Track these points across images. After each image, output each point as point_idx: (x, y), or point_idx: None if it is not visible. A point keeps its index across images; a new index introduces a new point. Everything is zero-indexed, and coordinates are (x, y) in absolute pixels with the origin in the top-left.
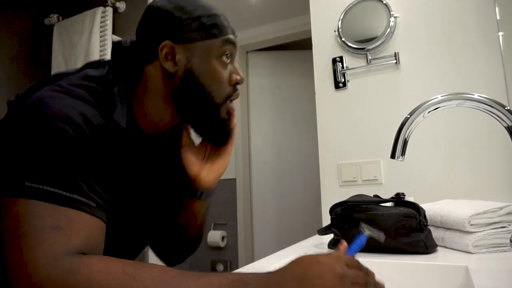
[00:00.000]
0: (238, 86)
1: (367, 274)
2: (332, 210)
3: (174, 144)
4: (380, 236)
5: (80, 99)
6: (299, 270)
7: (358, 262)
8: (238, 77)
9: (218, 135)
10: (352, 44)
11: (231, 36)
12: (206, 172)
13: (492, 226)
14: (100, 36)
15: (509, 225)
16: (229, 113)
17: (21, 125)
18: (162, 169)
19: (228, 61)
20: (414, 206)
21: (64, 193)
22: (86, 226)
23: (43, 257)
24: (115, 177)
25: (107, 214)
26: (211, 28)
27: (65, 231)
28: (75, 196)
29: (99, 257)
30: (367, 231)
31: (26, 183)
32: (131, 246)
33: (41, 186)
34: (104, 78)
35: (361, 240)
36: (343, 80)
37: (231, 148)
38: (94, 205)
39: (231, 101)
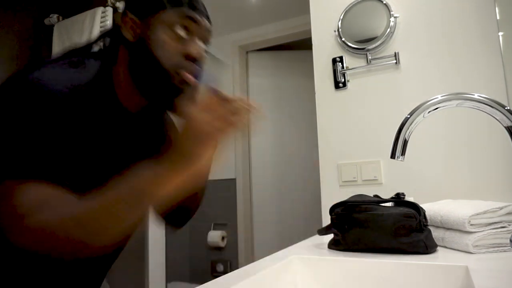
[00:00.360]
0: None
1: (229, 102)
2: (332, 210)
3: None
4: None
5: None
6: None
7: (217, 99)
8: (194, 52)
9: (166, 98)
10: (352, 44)
11: (186, 11)
12: None
13: (492, 226)
14: None
15: (509, 225)
16: (183, 82)
17: None
18: (150, 145)
19: (185, 35)
20: (414, 206)
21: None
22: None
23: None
24: (97, 152)
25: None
26: (166, 1)
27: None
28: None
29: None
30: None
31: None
32: None
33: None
34: (85, 61)
35: (207, 77)
36: (343, 80)
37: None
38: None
39: (185, 72)
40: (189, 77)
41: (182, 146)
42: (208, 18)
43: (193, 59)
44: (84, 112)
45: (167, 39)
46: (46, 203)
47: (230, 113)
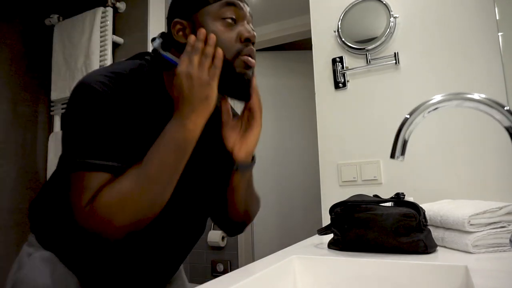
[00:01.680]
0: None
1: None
2: (332, 210)
3: (216, 122)
4: None
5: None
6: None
7: (185, 55)
8: (246, 34)
9: (238, 89)
10: (352, 44)
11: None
12: (238, 146)
13: (492, 226)
14: (101, 37)
15: (508, 225)
16: (246, 65)
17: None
18: (207, 145)
19: (233, 22)
20: (414, 206)
21: (97, 162)
22: (96, 181)
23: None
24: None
25: None
26: None
27: (86, 188)
28: (105, 162)
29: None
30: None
31: (77, 159)
32: (182, 214)
33: (83, 159)
34: (138, 68)
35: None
36: (343, 80)
37: (258, 113)
38: (120, 165)
39: (244, 55)
40: (250, 59)
41: (192, 95)
42: (245, 1)
43: (247, 40)
44: (134, 107)
45: (220, 29)
46: (112, 183)
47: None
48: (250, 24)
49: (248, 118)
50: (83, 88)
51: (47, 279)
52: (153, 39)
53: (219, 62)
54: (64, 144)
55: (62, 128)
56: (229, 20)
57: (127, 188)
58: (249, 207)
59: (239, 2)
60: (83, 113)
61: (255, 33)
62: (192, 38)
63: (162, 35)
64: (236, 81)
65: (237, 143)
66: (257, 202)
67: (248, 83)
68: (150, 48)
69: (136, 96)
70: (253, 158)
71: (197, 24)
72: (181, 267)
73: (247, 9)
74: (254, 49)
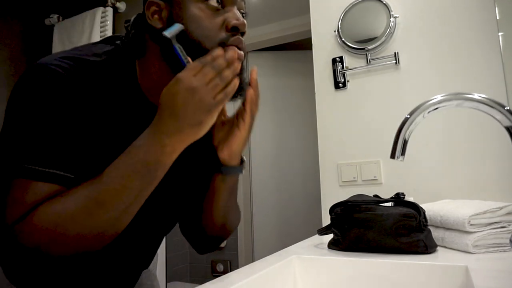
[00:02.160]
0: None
1: (216, 61)
2: (332, 210)
3: None
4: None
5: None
6: (171, 101)
7: (199, 63)
8: (234, 21)
9: None
10: (352, 44)
11: None
12: (222, 145)
13: (492, 226)
14: (100, 37)
15: (509, 225)
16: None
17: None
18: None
19: (219, 6)
20: (414, 206)
21: (40, 169)
22: (37, 193)
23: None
24: (112, 144)
25: None
26: None
27: (18, 201)
28: (50, 170)
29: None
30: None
31: (21, 164)
32: (150, 223)
33: (26, 165)
34: (111, 51)
35: (173, 29)
36: (343, 80)
37: (248, 114)
38: (70, 176)
39: (229, 46)
40: (236, 51)
41: (186, 113)
42: None
43: (235, 29)
44: (96, 103)
45: (202, 13)
46: (55, 199)
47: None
48: (242, 11)
49: (238, 117)
50: (38, 70)
51: None
52: (127, 21)
53: (231, 91)
54: (3, 138)
55: (5, 118)
56: (214, 3)
57: (69, 211)
58: (228, 220)
59: None
60: (35, 101)
61: (244, 21)
62: (218, 51)
63: (136, 17)
64: None
65: (221, 141)
66: (237, 216)
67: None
68: None
69: (101, 89)
70: (241, 163)
71: (175, 6)
72: (155, 274)
73: None
74: (243, 40)
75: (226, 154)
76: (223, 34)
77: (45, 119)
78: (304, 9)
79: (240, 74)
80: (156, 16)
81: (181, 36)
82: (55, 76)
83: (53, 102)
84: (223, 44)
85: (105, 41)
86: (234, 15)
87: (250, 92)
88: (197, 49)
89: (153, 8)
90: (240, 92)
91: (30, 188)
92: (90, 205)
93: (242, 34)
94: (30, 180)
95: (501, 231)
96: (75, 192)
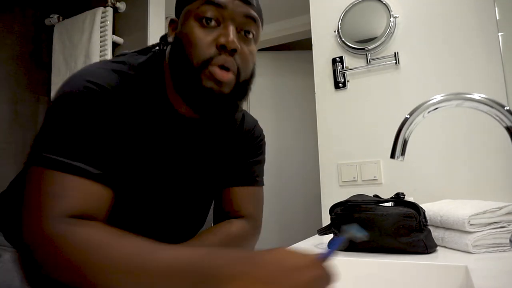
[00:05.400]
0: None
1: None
2: (332, 210)
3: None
4: (363, 237)
5: (108, 70)
6: (276, 256)
7: (325, 269)
8: (222, 39)
9: (206, 108)
10: (352, 44)
11: None
12: None
13: (492, 226)
14: (101, 37)
15: (508, 225)
16: (213, 78)
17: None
18: (209, 154)
19: (213, 24)
20: (414, 206)
21: (66, 160)
22: (85, 193)
23: (40, 220)
24: (143, 151)
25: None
26: None
27: (66, 198)
28: (75, 163)
29: (94, 222)
30: (346, 234)
31: (42, 153)
32: (171, 229)
33: (49, 155)
34: (144, 63)
35: (337, 242)
36: (343, 80)
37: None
38: (96, 172)
39: (213, 65)
40: (218, 71)
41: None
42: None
43: (223, 47)
44: (129, 113)
45: (195, 30)
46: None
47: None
48: (247, 29)
49: None
50: (82, 80)
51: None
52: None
53: None
54: (41, 134)
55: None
56: (209, 21)
57: (100, 248)
58: None
59: (227, 2)
60: (74, 109)
61: (233, 39)
62: None
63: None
64: (201, 97)
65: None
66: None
67: (220, 102)
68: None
69: (133, 100)
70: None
71: (179, 24)
72: None
73: (240, 8)
74: (234, 60)
75: None
76: (211, 51)
77: (81, 124)
78: (304, 9)
79: (250, 77)
80: (170, 30)
81: (177, 49)
82: (94, 88)
83: (91, 112)
84: (208, 62)
85: (144, 51)
86: (225, 32)
87: None
88: (186, 64)
89: (172, 24)
90: (245, 96)
91: (62, 181)
92: (126, 263)
93: (233, 52)
94: (60, 171)
95: (501, 231)
96: (121, 239)
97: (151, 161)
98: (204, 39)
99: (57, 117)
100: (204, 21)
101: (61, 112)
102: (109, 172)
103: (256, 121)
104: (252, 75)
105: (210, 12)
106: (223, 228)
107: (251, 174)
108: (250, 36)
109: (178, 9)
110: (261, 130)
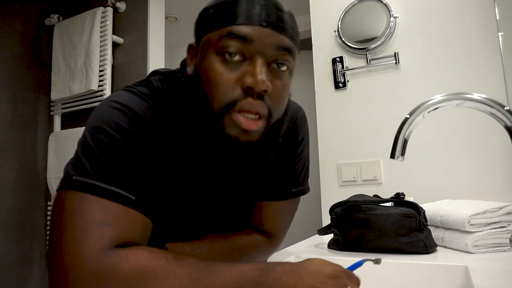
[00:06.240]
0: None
1: None
2: (332, 210)
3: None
4: (378, 261)
5: (140, 96)
6: (315, 266)
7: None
8: (249, 80)
9: (226, 159)
10: (352, 44)
11: (235, 28)
12: None
13: (492, 226)
14: (101, 37)
15: (508, 225)
16: (237, 126)
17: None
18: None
19: (237, 58)
20: (414, 206)
21: (104, 185)
22: (131, 222)
23: (91, 250)
24: (180, 175)
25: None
26: (212, 18)
27: (111, 226)
28: (113, 188)
29: (143, 247)
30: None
31: (73, 177)
32: None
33: (83, 179)
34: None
35: (358, 263)
36: (343, 80)
37: None
38: (134, 198)
39: (238, 111)
40: (242, 120)
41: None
42: (278, 25)
43: (250, 90)
44: (168, 138)
45: (217, 66)
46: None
47: None
48: (280, 61)
49: None
50: (122, 101)
51: None
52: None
53: None
54: (79, 154)
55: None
56: (232, 56)
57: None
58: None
59: (253, 33)
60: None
61: (263, 78)
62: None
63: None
64: (225, 147)
65: None
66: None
67: (247, 152)
68: (150, 49)
69: (172, 124)
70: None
71: (198, 56)
72: None
73: (272, 39)
74: (263, 102)
75: None
76: (236, 93)
77: (120, 148)
78: (304, 9)
79: (284, 116)
80: (189, 60)
81: (194, 88)
82: (137, 112)
83: (130, 139)
84: (231, 106)
85: (169, 74)
86: (253, 71)
87: None
88: (205, 108)
89: (191, 51)
90: (277, 141)
91: (105, 208)
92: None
93: (261, 94)
94: (101, 197)
95: (501, 231)
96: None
97: (196, 185)
98: (226, 78)
99: (96, 143)
100: (226, 55)
101: (99, 138)
102: (150, 198)
103: (298, 114)
104: (286, 113)
105: (233, 47)
106: (239, 240)
107: (284, 187)
108: (284, 68)
109: (198, 35)
110: (302, 124)
